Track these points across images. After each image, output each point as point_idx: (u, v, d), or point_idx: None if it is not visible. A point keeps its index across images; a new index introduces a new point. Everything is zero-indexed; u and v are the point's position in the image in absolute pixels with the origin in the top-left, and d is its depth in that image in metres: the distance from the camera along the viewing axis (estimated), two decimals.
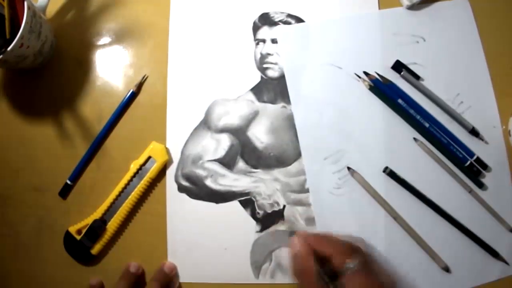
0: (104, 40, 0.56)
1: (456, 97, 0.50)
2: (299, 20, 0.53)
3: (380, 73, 0.50)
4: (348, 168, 0.49)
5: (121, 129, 0.54)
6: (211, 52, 0.54)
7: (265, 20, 0.54)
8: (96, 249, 0.50)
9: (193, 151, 0.52)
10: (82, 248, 0.50)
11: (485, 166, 0.48)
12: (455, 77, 0.50)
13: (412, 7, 0.52)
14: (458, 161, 0.48)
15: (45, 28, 0.51)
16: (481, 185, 0.47)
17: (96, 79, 0.55)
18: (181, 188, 0.51)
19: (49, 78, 0.56)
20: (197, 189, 0.51)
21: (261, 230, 0.49)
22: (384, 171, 0.48)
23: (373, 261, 0.43)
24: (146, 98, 0.54)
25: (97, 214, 0.50)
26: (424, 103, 0.49)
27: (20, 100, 0.56)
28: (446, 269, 0.46)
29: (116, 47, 0.56)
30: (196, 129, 0.52)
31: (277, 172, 0.50)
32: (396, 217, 0.47)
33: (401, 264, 0.47)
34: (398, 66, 0.50)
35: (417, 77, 0.50)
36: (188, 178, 0.51)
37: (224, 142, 0.52)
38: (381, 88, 0.50)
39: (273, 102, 0.52)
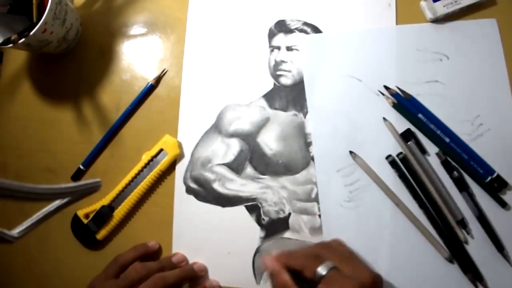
0: (129, 31, 0.58)
1: (476, 119, 0.48)
2: (315, 28, 0.53)
3: (401, 88, 0.50)
4: (351, 152, 0.49)
5: (137, 120, 0.55)
6: (225, 56, 0.54)
7: (281, 27, 0.54)
8: (101, 234, 0.52)
9: (203, 154, 0.52)
10: (88, 232, 0.52)
11: (505, 184, 0.47)
12: (477, 98, 0.48)
13: (436, 21, 0.50)
14: (478, 178, 0.47)
15: (70, 15, 0.52)
16: (504, 204, 0.46)
17: (117, 69, 0.57)
18: (189, 190, 0.52)
19: (72, 64, 0.58)
20: (204, 192, 0.52)
21: (265, 237, 0.49)
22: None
23: (348, 260, 0.43)
24: (164, 92, 0.55)
25: (106, 200, 0.52)
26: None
27: (43, 83, 0.58)
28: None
29: (140, 39, 0.57)
30: (207, 132, 0.53)
31: (285, 180, 0.50)
32: (398, 203, 0.47)
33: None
34: (408, 135, 0.49)
35: (424, 151, 0.48)
36: (196, 180, 0.52)
37: (234, 147, 0.52)
38: (402, 103, 0.49)
39: (284, 109, 0.52)
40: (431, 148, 0.48)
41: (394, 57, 0.51)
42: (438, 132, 0.48)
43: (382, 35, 0.51)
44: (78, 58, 0.58)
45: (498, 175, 0.47)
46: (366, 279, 0.39)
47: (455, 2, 0.49)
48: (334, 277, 0.39)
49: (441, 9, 0.49)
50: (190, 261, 0.50)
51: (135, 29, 0.58)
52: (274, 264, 0.43)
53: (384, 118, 0.49)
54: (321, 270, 0.40)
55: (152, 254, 0.51)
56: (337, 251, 0.44)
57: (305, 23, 0.53)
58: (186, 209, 0.51)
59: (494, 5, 0.50)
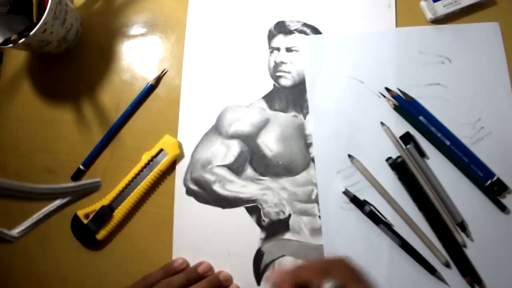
0: (129, 31, 0.58)
1: (477, 122, 0.48)
2: (314, 29, 0.53)
3: (402, 90, 0.50)
4: (349, 156, 0.49)
5: (137, 120, 0.55)
6: (225, 58, 0.54)
7: (281, 28, 0.54)
8: (101, 234, 0.52)
9: (203, 156, 0.52)
10: (88, 232, 0.52)
11: (505, 188, 0.47)
12: (478, 102, 0.49)
13: (436, 21, 0.50)
14: (478, 181, 0.47)
15: (70, 15, 0.52)
16: (503, 208, 0.46)
17: (117, 69, 0.57)
18: (189, 192, 0.52)
19: (72, 64, 0.58)
20: (204, 194, 0.52)
21: (265, 238, 0.49)
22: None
23: (354, 279, 0.42)
24: (164, 92, 0.55)
25: (106, 200, 0.52)
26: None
27: (43, 83, 0.58)
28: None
29: (140, 39, 0.57)
30: (207, 134, 0.53)
31: (285, 181, 0.50)
32: (397, 209, 0.47)
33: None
34: (407, 138, 0.49)
35: (423, 154, 0.48)
36: (196, 182, 0.52)
37: (234, 148, 0.52)
38: (403, 105, 0.49)
39: (284, 110, 0.52)
40: (431, 151, 0.48)
41: (396, 59, 0.50)
42: (439, 135, 0.48)
43: (384, 37, 0.51)
44: (78, 58, 0.58)
45: (498, 179, 0.47)
46: None
47: (455, 2, 0.49)
48: None
49: (441, 9, 0.49)
50: (191, 263, 0.50)
51: (135, 29, 0.58)
52: (278, 277, 0.42)
53: (381, 123, 0.49)
54: (327, 284, 0.39)
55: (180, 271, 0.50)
56: (344, 270, 0.43)
57: (305, 24, 0.53)
58: (186, 211, 0.51)
59: (494, 5, 0.50)
